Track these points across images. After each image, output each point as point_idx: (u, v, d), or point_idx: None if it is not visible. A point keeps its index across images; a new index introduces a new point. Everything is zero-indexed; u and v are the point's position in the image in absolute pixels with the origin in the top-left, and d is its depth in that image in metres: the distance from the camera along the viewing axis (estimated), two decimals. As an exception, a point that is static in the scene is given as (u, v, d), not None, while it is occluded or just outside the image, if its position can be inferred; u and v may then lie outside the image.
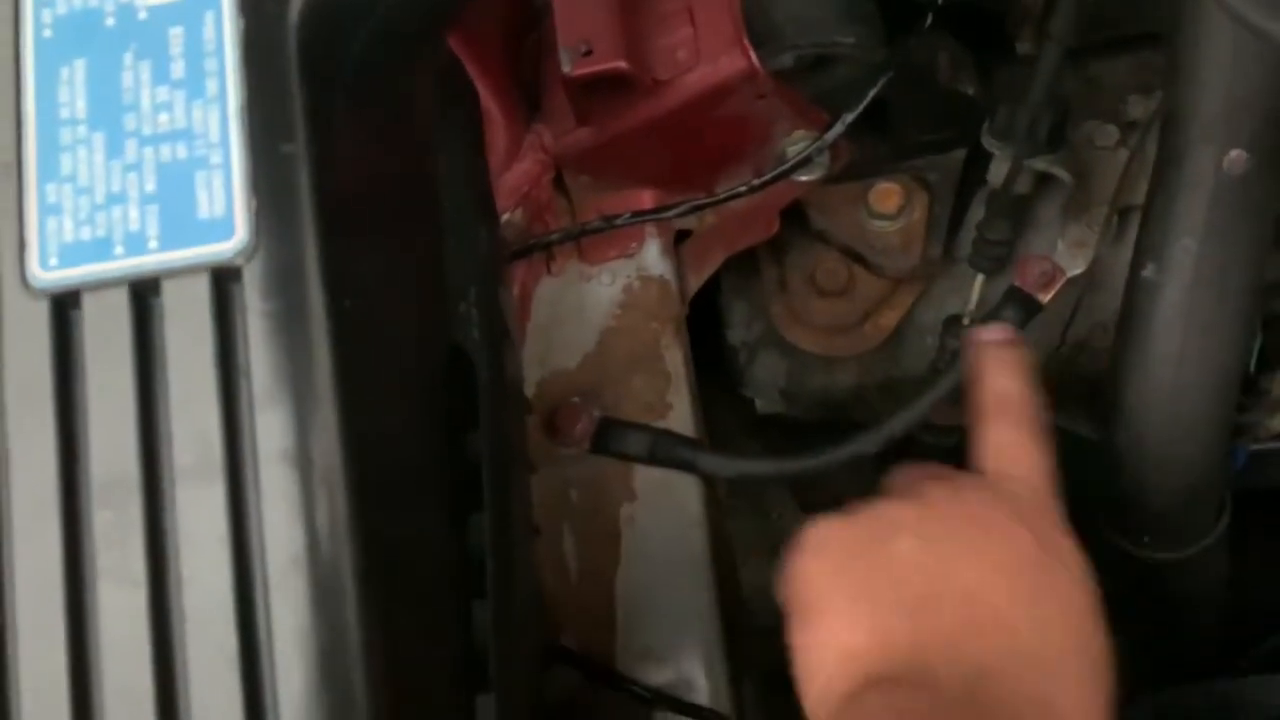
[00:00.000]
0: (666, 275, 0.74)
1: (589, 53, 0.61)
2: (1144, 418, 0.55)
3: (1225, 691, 0.65)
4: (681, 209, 0.69)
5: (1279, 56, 0.49)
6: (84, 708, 0.34)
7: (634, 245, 0.73)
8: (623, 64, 0.61)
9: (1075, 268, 0.71)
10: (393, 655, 0.36)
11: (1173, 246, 0.54)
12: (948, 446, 0.86)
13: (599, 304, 0.74)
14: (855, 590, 0.44)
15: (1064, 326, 0.72)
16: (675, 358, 0.74)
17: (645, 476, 0.71)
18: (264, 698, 0.34)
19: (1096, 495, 0.65)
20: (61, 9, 0.38)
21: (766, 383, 0.85)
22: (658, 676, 0.66)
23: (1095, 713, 0.43)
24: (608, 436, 0.71)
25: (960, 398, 0.79)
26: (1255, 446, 0.72)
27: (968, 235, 0.75)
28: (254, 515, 0.35)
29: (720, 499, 0.87)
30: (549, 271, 0.74)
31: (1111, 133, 0.71)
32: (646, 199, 0.72)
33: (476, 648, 0.44)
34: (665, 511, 0.71)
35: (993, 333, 0.56)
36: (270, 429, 0.35)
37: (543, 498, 0.71)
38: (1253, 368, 0.60)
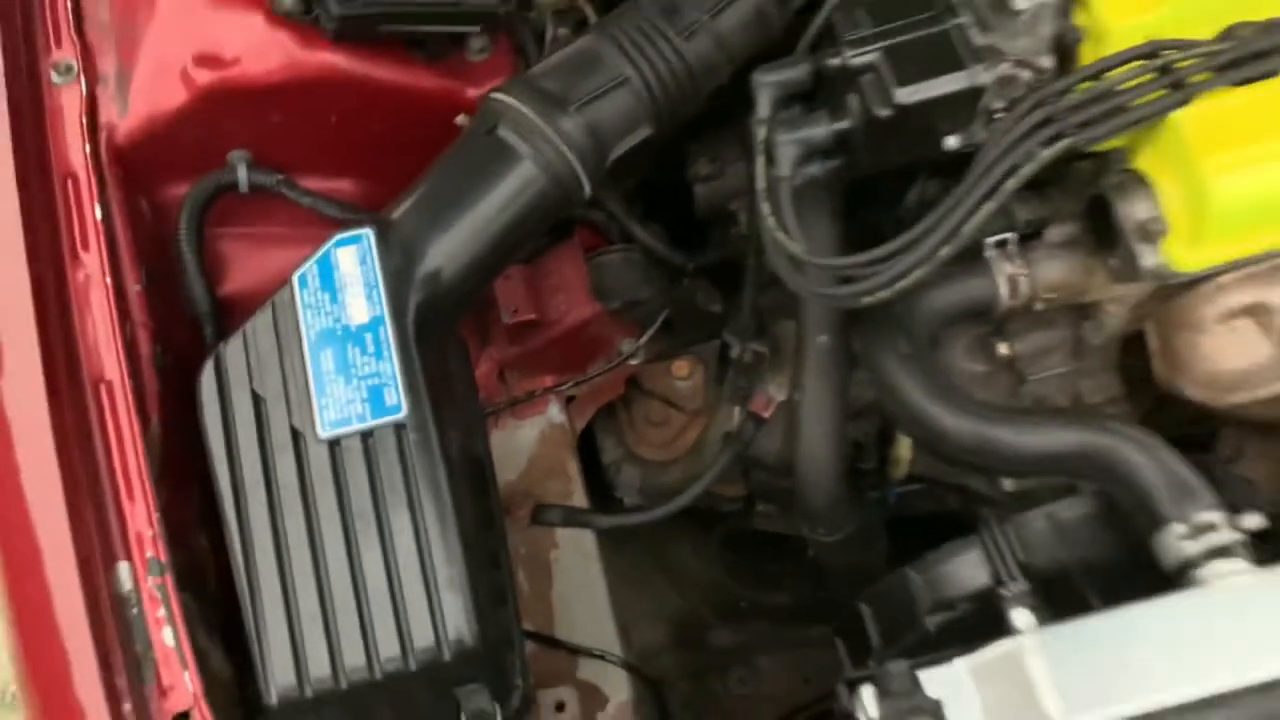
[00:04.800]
0: (564, 423, 1.33)
1: (516, 310, 1.20)
2: (802, 453, 1.14)
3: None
4: (568, 385, 1.28)
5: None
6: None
7: (544, 407, 1.32)
8: (533, 315, 1.21)
9: (781, 396, 1.31)
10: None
11: (804, 375, 1.14)
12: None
13: (527, 441, 1.32)
14: None
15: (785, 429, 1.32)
16: (573, 469, 1.33)
17: (563, 534, 1.28)
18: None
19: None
20: (315, 327, 0.96)
21: (629, 485, 1.44)
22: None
23: None
24: (540, 514, 1.28)
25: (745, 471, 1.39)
26: (899, 489, 1.32)
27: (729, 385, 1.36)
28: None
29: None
30: (497, 426, 1.32)
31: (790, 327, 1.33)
32: (549, 380, 1.31)
33: (501, 567, 1.00)
34: (576, 553, 1.28)
35: None
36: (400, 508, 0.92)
37: (506, 551, 1.28)
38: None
